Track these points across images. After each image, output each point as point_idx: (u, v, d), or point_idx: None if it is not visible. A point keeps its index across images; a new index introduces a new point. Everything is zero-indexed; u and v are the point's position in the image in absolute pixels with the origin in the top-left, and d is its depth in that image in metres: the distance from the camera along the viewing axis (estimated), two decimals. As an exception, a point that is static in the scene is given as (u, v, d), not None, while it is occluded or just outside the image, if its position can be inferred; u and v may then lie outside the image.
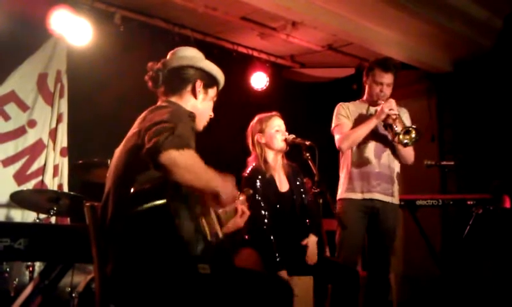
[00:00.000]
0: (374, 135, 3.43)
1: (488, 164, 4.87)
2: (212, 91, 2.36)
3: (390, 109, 3.31)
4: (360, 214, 3.40)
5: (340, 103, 3.58)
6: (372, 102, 3.52)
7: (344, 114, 3.50)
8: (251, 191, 2.65)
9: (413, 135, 3.26)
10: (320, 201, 3.08)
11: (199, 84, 2.29)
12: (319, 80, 6.03)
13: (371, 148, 3.47)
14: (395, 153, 3.49)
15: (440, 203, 4.16)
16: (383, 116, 3.33)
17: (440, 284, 4.12)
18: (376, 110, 3.49)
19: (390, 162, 3.50)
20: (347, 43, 5.34)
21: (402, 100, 5.50)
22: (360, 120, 3.49)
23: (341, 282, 3.03)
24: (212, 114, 2.39)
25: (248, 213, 2.44)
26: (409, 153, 3.48)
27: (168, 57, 2.37)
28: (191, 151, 1.94)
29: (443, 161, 4.13)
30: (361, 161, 3.46)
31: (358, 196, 3.42)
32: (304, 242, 3.13)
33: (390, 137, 3.45)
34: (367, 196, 3.42)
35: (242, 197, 2.52)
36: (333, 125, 3.53)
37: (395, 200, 3.50)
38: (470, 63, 5.36)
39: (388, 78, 3.42)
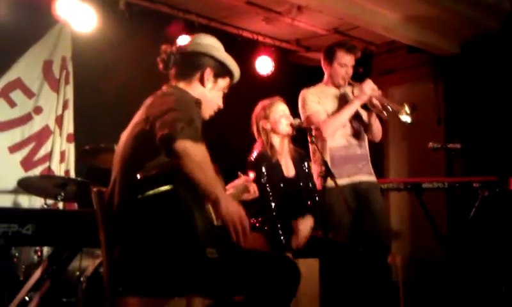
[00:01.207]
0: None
1: (494, 146, 4.84)
2: (223, 82, 2.33)
3: (373, 89, 3.32)
4: (349, 199, 3.33)
5: (305, 90, 3.56)
6: (337, 85, 3.53)
7: (315, 101, 3.48)
8: (252, 176, 2.67)
9: (407, 110, 3.27)
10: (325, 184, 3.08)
11: (208, 72, 2.28)
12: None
13: (349, 130, 3.48)
14: (366, 132, 3.53)
15: (445, 186, 4.15)
16: (366, 97, 3.34)
17: (446, 267, 4.14)
18: (345, 92, 3.52)
19: (365, 142, 3.55)
20: (353, 27, 5.31)
21: (408, 83, 5.51)
22: (333, 104, 3.49)
23: (346, 263, 3.04)
24: (221, 104, 2.37)
25: (256, 193, 2.46)
26: (379, 131, 3.54)
27: (186, 42, 2.37)
28: (204, 147, 1.94)
29: (449, 144, 4.11)
30: (341, 145, 3.45)
31: (345, 180, 3.37)
32: (296, 224, 3.07)
33: (368, 117, 3.45)
34: (355, 179, 3.42)
35: (253, 175, 2.56)
36: (305, 114, 3.48)
37: (375, 179, 3.56)
38: (477, 45, 5.31)
39: (351, 60, 3.47)
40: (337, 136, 3.45)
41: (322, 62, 3.59)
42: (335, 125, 3.38)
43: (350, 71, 3.48)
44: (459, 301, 3.72)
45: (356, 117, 3.50)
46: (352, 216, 3.39)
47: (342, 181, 3.34)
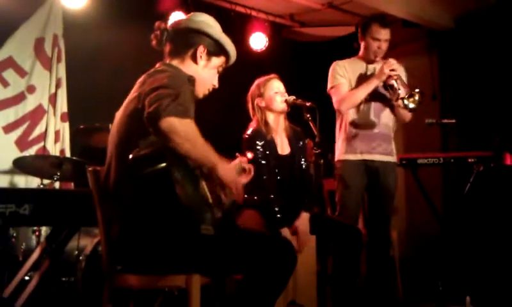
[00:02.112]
0: (373, 94, 3.41)
1: (489, 121, 4.85)
2: (217, 60, 2.32)
3: (391, 70, 3.29)
4: (360, 173, 3.42)
5: (336, 61, 3.54)
6: (369, 59, 3.50)
7: (341, 74, 3.48)
8: (250, 156, 2.67)
9: (417, 98, 3.24)
10: (321, 161, 3.08)
11: (202, 50, 2.26)
12: (320, 39, 5.96)
13: (370, 107, 3.46)
14: (393, 112, 3.50)
15: (441, 161, 4.16)
16: (384, 77, 3.31)
17: (441, 242, 4.18)
18: (374, 68, 3.48)
19: (388, 121, 3.52)
20: (348, 1, 5.25)
21: (403, 57, 5.47)
22: (358, 79, 3.47)
23: (343, 240, 3.07)
24: (216, 84, 2.36)
25: (252, 173, 2.46)
26: (407, 112, 3.48)
27: (180, 18, 2.36)
28: (191, 122, 1.94)
29: (444, 119, 4.11)
30: (360, 121, 3.46)
31: (357, 156, 3.43)
32: (294, 226, 3.05)
33: (390, 96, 3.44)
34: (367, 157, 3.43)
35: (250, 155, 2.57)
36: (329, 85, 3.51)
37: (394, 159, 3.55)
38: (473, 19, 5.27)
39: (385, 34, 3.41)
40: (358, 112, 3.45)
41: (358, 36, 3.55)
42: (349, 101, 3.38)
43: (383, 46, 3.42)
44: (454, 277, 3.77)
45: (379, 96, 3.45)
46: (360, 191, 3.43)
47: (354, 157, 3.42)
